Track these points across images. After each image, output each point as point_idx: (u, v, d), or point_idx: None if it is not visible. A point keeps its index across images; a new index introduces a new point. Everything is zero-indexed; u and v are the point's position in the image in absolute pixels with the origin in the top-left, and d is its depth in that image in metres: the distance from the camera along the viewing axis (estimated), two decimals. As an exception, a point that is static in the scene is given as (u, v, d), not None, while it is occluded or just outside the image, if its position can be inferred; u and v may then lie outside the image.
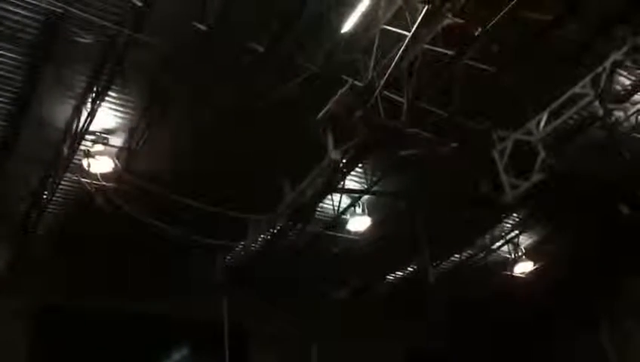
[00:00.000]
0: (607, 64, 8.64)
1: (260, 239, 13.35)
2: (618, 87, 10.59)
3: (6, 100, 9.55)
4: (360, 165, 11.81)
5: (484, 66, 9.07)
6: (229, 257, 14.17)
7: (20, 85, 9.30)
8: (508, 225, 15.14)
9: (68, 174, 10.93)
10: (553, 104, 9.24)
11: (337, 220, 13.52)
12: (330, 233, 13.97)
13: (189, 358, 15.76)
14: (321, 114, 9.34)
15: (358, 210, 13.50)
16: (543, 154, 9.16)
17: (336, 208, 13.26)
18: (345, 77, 9.49)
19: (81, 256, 13.35)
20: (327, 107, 9.27)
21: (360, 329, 16.82)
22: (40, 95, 9.43)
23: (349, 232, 13.94)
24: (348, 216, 13.54)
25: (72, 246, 13.22)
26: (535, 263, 16.14)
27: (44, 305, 13.69)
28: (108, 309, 14.20)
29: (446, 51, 8.44)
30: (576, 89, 9.00)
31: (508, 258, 16.17)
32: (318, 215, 13.26)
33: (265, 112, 10.00)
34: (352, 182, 12.55)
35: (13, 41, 8.55)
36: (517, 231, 15.34)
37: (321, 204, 12.56)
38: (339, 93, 9.17)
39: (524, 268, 16.21)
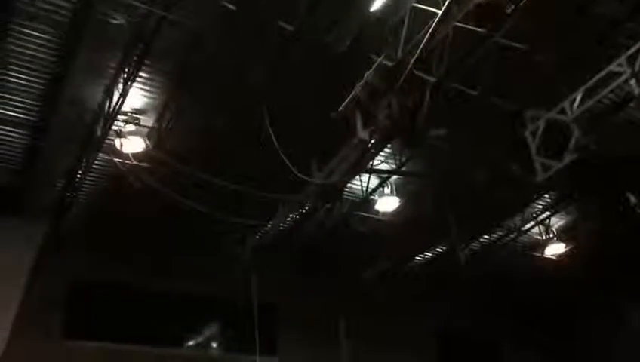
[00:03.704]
0: (645, 41, 8.42)
1: (288, 219, 13.43)
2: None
3: (40, 81, 9.71)
4: (389, 145, 11.75)
5: (516, 45, 8.90)
6: (258, 236, 14.32)
7: (53, 66, 9.44)
8: (539, 206, 14.93)
9: (101, 154, 11.11)
10: (588, 83, 9.04)
11: (366, 200, 13.51)
12: (359, 213, 13.97)
13: (219, 336, 16.05)
14: (346, 101, 9.33)
15: (387, 190, 13.46)
16: (576, 133, 9.01)
17: (364, 188, 13.24)
18: (374, 56, 9.39)
19: (114, 234, 13.62)
20: (352, 94, 9.25)
21: (389, 308, 16.90)
22: (73, 76, 9.56)
23: (377, 212, 13.92)
24: (376, 197, 13.51)
25: (105, 224, 13.49)
26: (566, 245, 15.93)
27: (78, 281, 14.07)
28: (138, 287, 14.53)
29: (478, 29, 8.29)
30: (612, 67, 8.79)
31: (539, 239, 15.99)
32: (347, 195, 13.27)
33: (294, 92, 10.00)
34: (380, 162, 12.49)
35: (47, 22, 8.68)
36: (548, 213, 15.11)
37: (349, 185, 12.55)
38: (365, 77, 9.11)
39: (555, 249, 16.02)
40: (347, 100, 9.33)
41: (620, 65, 8.68)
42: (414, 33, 8.69)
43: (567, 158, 9.11)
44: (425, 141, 9.83)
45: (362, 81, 9.17)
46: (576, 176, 10.11)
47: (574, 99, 9.18)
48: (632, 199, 10.67)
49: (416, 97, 8.93)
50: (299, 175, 10.16)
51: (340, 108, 9.46)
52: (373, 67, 9.06)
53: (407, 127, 9.25)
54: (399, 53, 8.88)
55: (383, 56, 9.03)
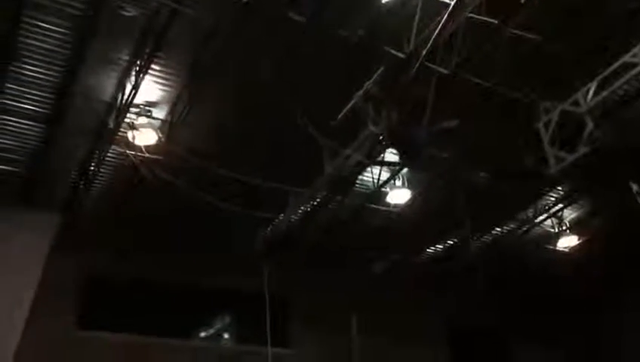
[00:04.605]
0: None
1: (300, 211, 13.43)
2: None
3: (54, 73, 9.76)
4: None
5: (530, 35, 8.83)
6: (269, 229, 14.34)
7: (66, 59, 9.48)
8: (552, 198, 14.84)
9: (113, 146, 11.17)
10: (602, 74, 8.95)
11: (377, 193, 13.48)
12: (370, 206, 13.95)
13: (231, 328, 16.14)
14: (344, 110, 9.36)
15: (398, 182, 13.42)
16: (590, 126, 8.92)
17: (375, 181, 13.21)
18: (386, 48, 9.35)
19: (127, 226, 13.72)
20: (351, 103, 9.30)
21: (401, 301, 16.90)
22: (86, 68, 9.61)
23: (388, 205, 13.90)
24: (388, 189, 13.48)
25: (118, 216, 13.59)
26: (579, 238, 15.83)
27: (92, 273, 14.19)
28: (151, 279, 14.63)
29: (491, 20, 8.23)
30: (627, 58, 8.69)
31: (551, 232, 15.90)
32: (358, 188, 13.25)
33: (306, 84, 9.98)
34: (391, 155, 12.44)
35: (60, 15, 8.72)
36: (561, 205, 15.01)
37: (360, 177, 12.53)
38: (364, 86, 9.13)
39: (567, 242, 15.93)
40: (345, 109, 9.43)
41: (634, 56, 8.59)
42: (427, 24, 8.66)
43: (581, 150, 9.03)
44: (422, 155, 9.91)
45: (361, 91, 9.25)
46: (589, 168, 10.02)
47: (588, 91, 9.10)
48: (635, 187, 10.55)
49: (426, 92, 8.91)
50: (336, 146, 10.16)
51: (340, 116, 9.55)
52: (373, 77, 9.06)
53: (406, 138, 9.34)
54: (412, 45, 8.84)
55: (380, 70, 9.01)
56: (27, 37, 9.02)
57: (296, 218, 13.68)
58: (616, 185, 12.97)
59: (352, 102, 9.34)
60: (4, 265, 11.84)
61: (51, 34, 9.04)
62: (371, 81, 9.13)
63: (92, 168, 11.67)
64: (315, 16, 8.95)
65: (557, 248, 16.05)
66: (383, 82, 9.13)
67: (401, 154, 10.37)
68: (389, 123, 9.15)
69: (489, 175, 12.26)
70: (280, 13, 8.87)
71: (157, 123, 10.89)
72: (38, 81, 9.88)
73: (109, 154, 11.49)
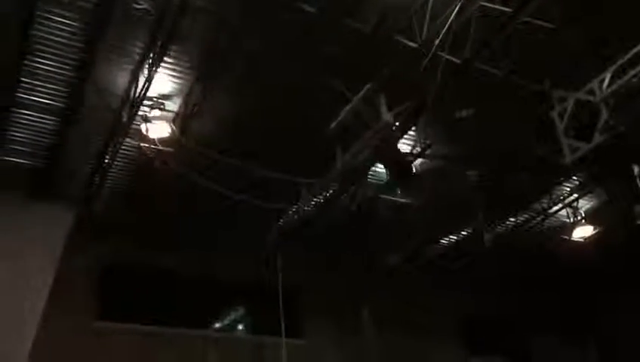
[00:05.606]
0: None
1: (313, 203, 13.46)
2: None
3: (67, 67, 9.81)
4: (413, 128, 11.65)
5: (544, 23, 8.73)
6: (283, 220, 14.38)
7: (79, 52, 9.52)
8: (567, 188, 14.70)
9: (127, 139, 11.23)
10: (618, 62, 8.84)
11: (390, 184, 13.43)
12: (383, 197, 13.92)
13: (244, 319, 16.25)
14: (335, 123, 9.40)
15: (411, 173, 13.33)
16: (605, 114, 8.82)
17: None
18: (398, 38, 9.29)
19: (143, 218, 13.83)
20: (339, 118, 9.31)
21: (414, 292, 16.90)
22: (99, 61, 9.65)
23: (401, 196, 13.86)
24: (401, 180, 13.40)
25: (134, 209, 13.70)
26: (595, 228, 15.68)
27: (109, 264, 14.32)
28: (165, 270, 14.75)
29: (504, 8, 8.16)
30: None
31: (566, 222, 15.77)
32: (371, 178, 13.22)
33: (318, 74, 9.96)
34: (404, 145, 12.39)
35: (72, 8, 8.75)
36: (576, 195, 14.86)
37: (373, 168, 12.51)
38: (353, 101, 9.13)
39: (583, 232, 15.78)
40: (335, 122, 9.68)
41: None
42: (440, 13, 8.60)
43: (596, 140, 8.93)
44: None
45: (349, 105, 9.29)
46: (603, 158, 9.92)
47: (603, 80, 8.98)
48: (637, 170, 10.40)
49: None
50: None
51: (333, 125, 9.63)
52: (362, 93, 9.03)
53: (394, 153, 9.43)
54: (424, 34, 8.79)
55: (364, 93, 8.99)
56: (41, 30, 9.06)
57: (309, 209, 13.70)
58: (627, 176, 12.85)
59: (340, 117, 9.48)
60: (20, 258, 11.98)
61: (64, 27, 9.06)
62: (360, 94, 9.20)
63: (106, 161, 11.73)
64: (325, 7, 8.92)
65: (573, 238, 15.90)
66: (391, 78, 9.12)
67: (390, 173, 10.53)
68: (383, 134, 9.25)
69: (502, 165, 12.16)
70: (290, 3, 8.85)
71: (170, 115, 10.93)
72: (52, 75, 9.93)
73: (122, 147, 11.55)
